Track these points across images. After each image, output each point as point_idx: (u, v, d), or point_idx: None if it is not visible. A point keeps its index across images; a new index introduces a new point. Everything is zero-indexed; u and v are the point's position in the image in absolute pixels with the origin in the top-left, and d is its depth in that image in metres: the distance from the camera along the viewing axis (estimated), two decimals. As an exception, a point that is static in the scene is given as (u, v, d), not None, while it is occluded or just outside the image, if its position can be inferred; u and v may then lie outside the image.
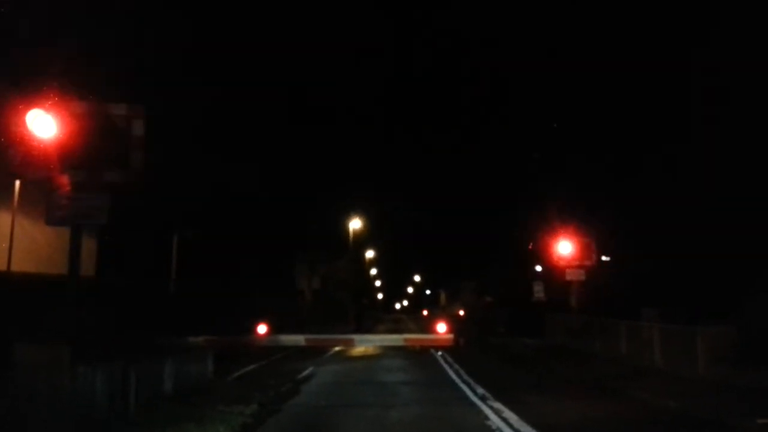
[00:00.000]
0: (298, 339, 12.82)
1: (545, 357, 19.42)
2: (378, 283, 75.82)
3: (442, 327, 12.43)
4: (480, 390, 12.24)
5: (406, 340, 14.88)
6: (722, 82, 18.82)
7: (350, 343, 15.48)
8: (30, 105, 8.41)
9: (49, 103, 8.43)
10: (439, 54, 41.55)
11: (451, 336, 12.30)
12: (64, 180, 8.93)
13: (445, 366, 16.88)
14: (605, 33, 23.50)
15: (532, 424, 8.81)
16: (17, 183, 11.25)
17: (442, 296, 68.37)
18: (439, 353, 19.25)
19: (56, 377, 7.83)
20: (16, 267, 11.30)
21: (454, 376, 14.77)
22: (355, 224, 40.11)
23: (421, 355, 18.63)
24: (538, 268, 30.38)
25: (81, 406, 8.06)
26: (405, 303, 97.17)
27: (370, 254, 55.31)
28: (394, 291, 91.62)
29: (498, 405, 10.43)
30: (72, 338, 8.07)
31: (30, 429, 6.97)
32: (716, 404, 10.28)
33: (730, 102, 18.68)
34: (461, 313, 42.10)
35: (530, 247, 23.23)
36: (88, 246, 11.73)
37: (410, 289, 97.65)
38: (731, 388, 11.61)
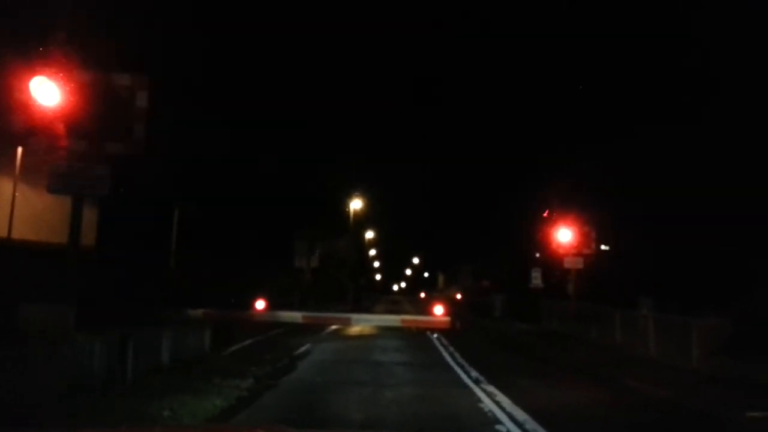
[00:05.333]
0: (296, 316, 12.92)
1: (540, 343, 19.55)
2: (376, 264, 76.01)
3: (439, 309, 12.43)
4: (474, 373, 12.33)
5: (403, 321, 14.96)
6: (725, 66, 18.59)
7: (347, 322, 15.57)
8: (34, 72, 8.36)
9: (54, 70, 8.37)
10: (443, 30, 41.11)
11: (447, 319, 12.31)
12: (66, 149, 8.92)
13: (441, 348, 16.99)
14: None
15: (525, 408, 8.85)
16: (19, 150, 11.21)
17: (440, 279, 68.59)
18: (435, 335, 19.36)
19: (57, 342, 7.90)
20: (16, 234, 11.31)
21: (448, 359, 14.88)
22: (356, 204, 40.15)
23: (416, 337, 18.73)
24: (537, 255, 30.43)
25: (79, 372, 8.14)
26: (403, 285, 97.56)
27: (369, 235, 55.39)
28: (393, 272, 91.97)
29: (491, 388, 10.51)
30: (72, 305, 8.13)
31: (29, 393, 7.03)
32: (708, 396, 10.36)
33: (729, 88, 18.45)
34: (458, 296, 42.36)
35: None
36: (89, 216, 11.72)
37: (408, 272, 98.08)
38: (724, 380, 11.68)
